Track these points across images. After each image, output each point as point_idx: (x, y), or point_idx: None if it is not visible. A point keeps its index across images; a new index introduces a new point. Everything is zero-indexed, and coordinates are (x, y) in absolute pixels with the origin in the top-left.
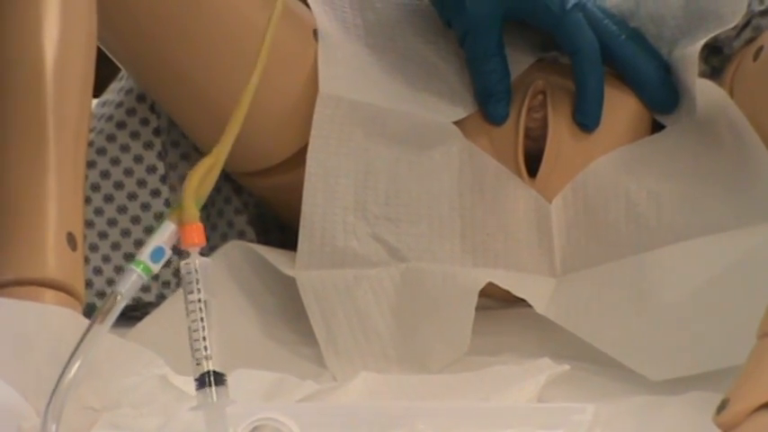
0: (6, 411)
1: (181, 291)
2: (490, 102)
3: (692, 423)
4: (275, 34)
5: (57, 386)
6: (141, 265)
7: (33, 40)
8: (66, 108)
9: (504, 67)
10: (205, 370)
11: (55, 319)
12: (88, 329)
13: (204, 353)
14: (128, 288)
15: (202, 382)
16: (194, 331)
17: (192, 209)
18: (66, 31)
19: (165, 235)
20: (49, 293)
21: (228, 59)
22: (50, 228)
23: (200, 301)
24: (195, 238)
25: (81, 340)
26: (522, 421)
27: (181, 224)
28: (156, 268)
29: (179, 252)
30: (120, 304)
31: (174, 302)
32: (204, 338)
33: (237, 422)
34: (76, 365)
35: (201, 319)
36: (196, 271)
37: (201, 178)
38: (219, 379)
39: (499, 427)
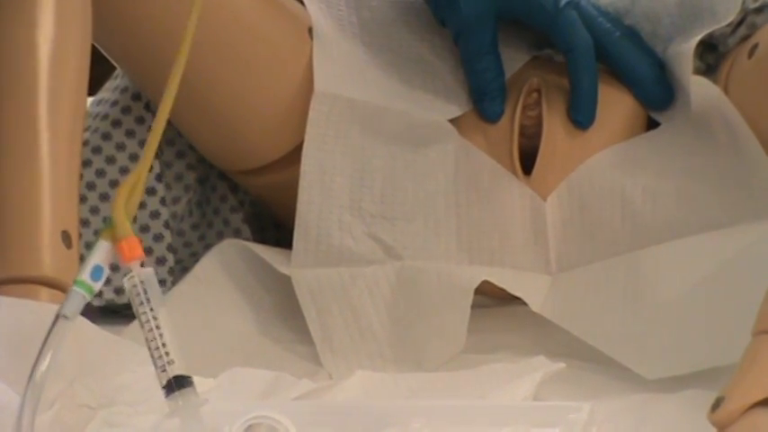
0: (2, 409)
1: (176, 289)
2: (485, 100)
3: (687, 421)
4: (271, 34)
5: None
6: (83, 285)
7: (28, 39)
8: (61, 107)
9: (498, 64)
10: (170, 376)
11: (50, 317)
12: (39, 352)
13: (165, 359)
14: (71, 308)
15: (170, 388)
16: (152, 341)
17: (125, 224)
18: (60, 30)
19: (101, 254)
20: (45, 291)
21: (223, 59)
22: (45, 226)
23: (151, 310)
24: (133, 251)
25: (39, 353)
26: (517, 419)
27: (115, 241)
28: (97, 286)
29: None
30: (68, 325)
31: (170, 299)
32: (164, 345)
33: (233, 420)
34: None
35: (157, 327)
36: (141, 283)
37: (129, 194)
38: (185, 381)
39: (495, 425)
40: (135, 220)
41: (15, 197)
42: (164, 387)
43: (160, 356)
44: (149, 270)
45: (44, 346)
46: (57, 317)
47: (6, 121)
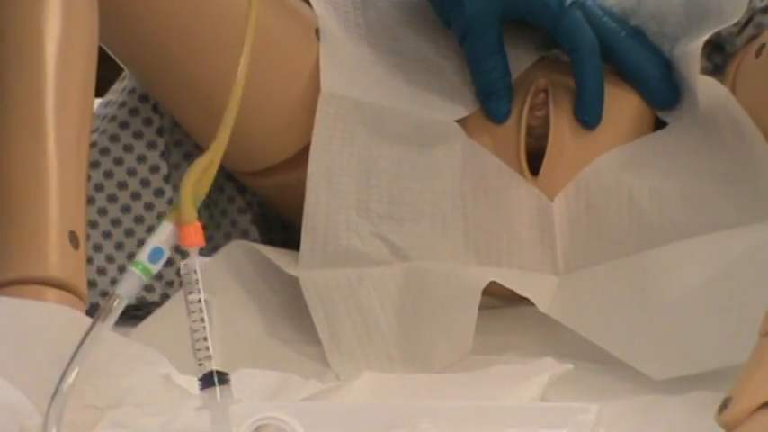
0: (8, 410)
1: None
2: (491, 100)
3: (694, 422)
4: (278, 35)
5: (58, 387)
6: (140, 266)
7: (35, 41)
8: (68, 108)
9: (504, 65)
10: (208, 370)
11: (57, 317)
12: (89, 330)
13: (206, 353)
14: (128, 289)
15: (206, 381)
16: (195, 331)
17: (190, 209)
18: (67, 31)
19: (163, 235)
20: (52, 292)
21: (230, 58)
22: (52, 227)
23: (200, 301)
24: (194, 237)
25: (82, 341)
26: (525, 421)
27: (179, 224)
28: (154, 269)
29: (180, 252)
30: (121, 305)
31: (178, 302)
32: (206, 338)
33: (241, 421)
34: (76, 369)
35: (202, 319)
36: (195, 271)
37: (198, 177)
38: (222, 378)
39: (502, 426)
40: (143, 221)
41: (22, 198)
42: (200, 379)
43: (200, 349)
44: (206, 260)
45: (93, 326)
46: (112, 295)
47: (14, 123)
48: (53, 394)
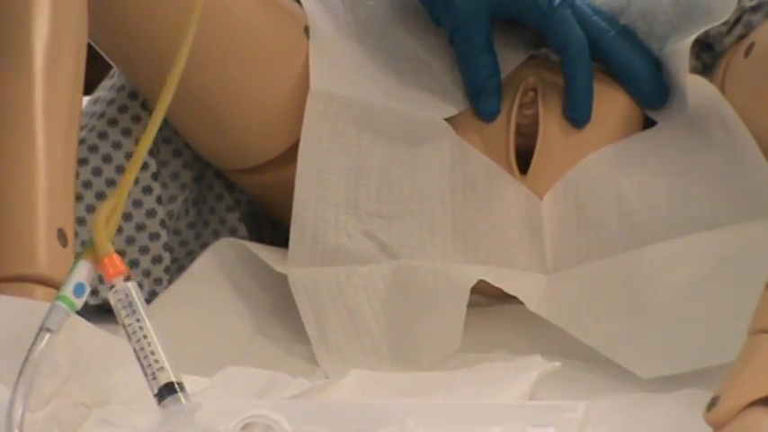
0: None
1: (172, 288)
2: (480, 98)
3: (682, 420)
4: (267, 32)
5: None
6: (66, 301)
7: (24, 39)
8: (57, 106)
9: (493, 63)
10: (161, 384)
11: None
12: (25, 361)
13: (155, 366)
14: (56, 322)
15: (162, 395)
16: (140, 350)
17: (105, 243)
18: (56, 29)
19: (83, 272)
20: (40, 290)
21: (219, 57)
22: (41, 224)
23: (137, 321)
24: (116, 268)
25: (24, 363)
26: (513, 418)
27: (98, 259)
28: (79, 303)
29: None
30: (52, 338)
31: (165, 300)
32: (152, 353)
33: (228, 419)
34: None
35: (144, 336)
36: (126, 296)
37: (108, 217)
38: (176, 387)
39: (490, 424)
40: (131, 218)
41: (11, 196)
42: (155, 395)
43: (149, 365)
44: (132, 284)
45: (27, 360)
46: (40, 329)
47: (2, 121)
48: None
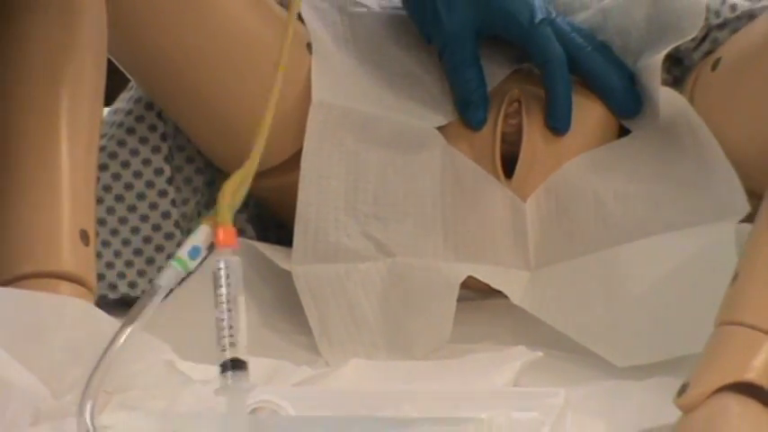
0: (25, 393)
1: (185, 286)
2: (468, 109)
3: (655, 405)
4: (273, 48)
5: (101, 359)
6: (180, 261)
7: (49, 52)
8: (80, 116)
9: (480, 76)
10: (228, 357)
11: (70, 308)
12: (133, 312)
13: (228, 340)
14: (168, 280)
15: (225, 367)
16: (221, 320)
17: (226, 215)
18: (78, 43)
19: (201, 236)
20: (64, 285)
21: (231, 72)
22: (65, 225)
23: (227, 293)
24: (227, 239)
25: (125, 323)
26: (499, 404)
27: (215, 227)
28: (192, 264)
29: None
30: (160, 294)
31: (179, 294)
32: (230, 327)
33: None
34: (124, 336)
35: (228, 309)
36: (226, 268)
37: (236, 187)
38: (241, 365)
39: (479, 409)
40: (148, 220)
41: (37, 199)
42: (220, 365)
43: (223, 336)
44: (237, 259)
45: (134, 313)
46: (153, 286)
47: (28, 130)
48: (93, 370)
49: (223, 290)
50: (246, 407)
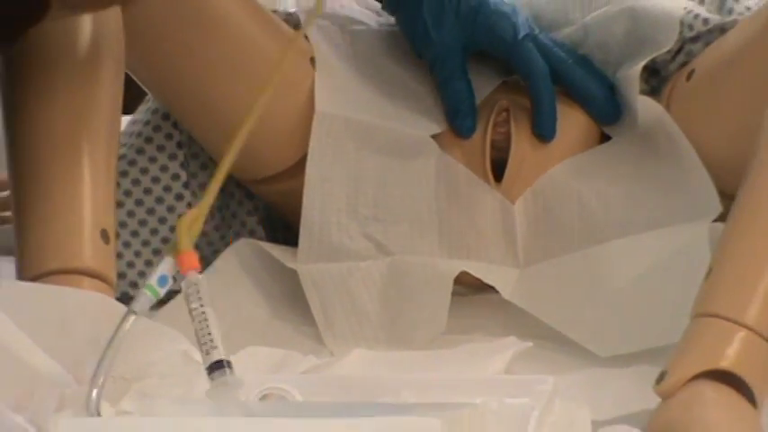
0: (51, 380)
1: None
2: (457, 118)
3: (635, 392)
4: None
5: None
6: (151, 289)
7: (70, 65)
8: (99, 124)
9: (468, 88)
10: (212, 360)
11: (91, 302)
12: (113, 335)
13: (210, 345)
14: (141, 306)
15: (212, 369)
16: (200, 330)
17: (186, 244)
18: (98, 57)
19: (166, 266)
20: (87, 281)
21: (241, 86)
22: (87, 225)
23: (201, 306)
24: (191, 263)
25: (111, 339)
26: (491, 391)
27: (176, 255)
28: (162, 291)
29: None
30: (133, 319)
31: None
32: (209, 334)
33: (249, 390)
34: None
35: (205, 319)
36: (195, 285)
37: (190, 223)
38: (225, 364)
39: (472, 395)
40: (165, 222)
41: (61, 201)
42: (207, 369)
43: (205, 343)
44: (201, 276)
45: (112, 340)
46: (127, 312)
47: (54, 138)
48: (94, 370)
49: (195, 304)
50: (255, 395)
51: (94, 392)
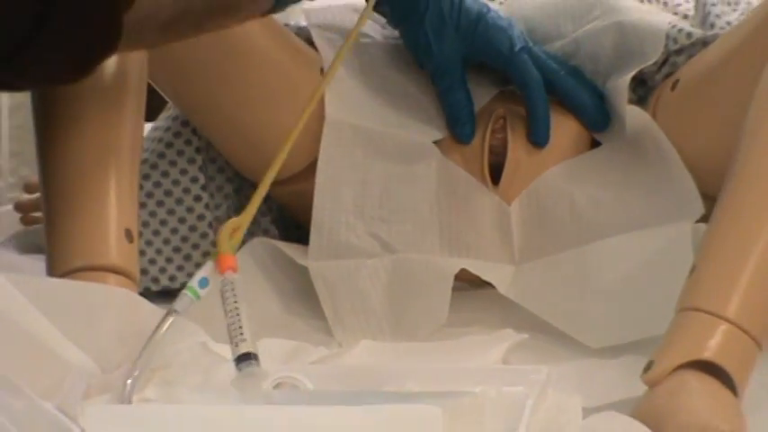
0: (79, 370)
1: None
2: (457, 125)
3: (624, 381)
4: (292, 73)
5: (135, 364)
6: (192, 290)
7: (96, 81)
8: (123, 130)
9: (467, 97)
10: (242, 351)
11: (116, 297)
12: (154, 332)
13: (239, 338)
14: (182, 306)
15: (239, 360)
16: (231, 325)
17: (226, 248)
18: (122, 68)
19: (207, 270)
20: (112, 277)
21: (255, 94)
22: (112, 225)
23: (235, 303)
24: (229, 264)
25: (153, 334)
26: (489, 380)
27: (217, 257)
28: (202, 293)
29: None
30: (174, 318)
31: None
32: (240, 328)
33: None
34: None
35: (237, 315)
36: (231, 284)
37: (231, 232)
38: (252, 356)
39: (471, 384)
40: (185, 221)
41: (87, 201)
42: (235, 360)
43: (236, 336)
44: (237, 276)
45: (152, 337)
46: (169, 311)
47: (80, 142)
48: (132, 369)
49: (229, 301)
50: (269, 384)
51: (129, 382)
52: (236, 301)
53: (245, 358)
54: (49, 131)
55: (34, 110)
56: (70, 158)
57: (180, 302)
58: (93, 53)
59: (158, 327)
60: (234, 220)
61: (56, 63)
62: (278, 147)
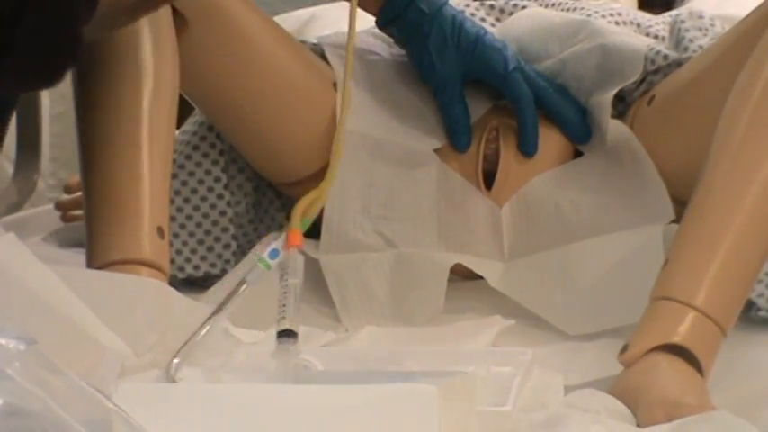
0: (114, 353)
1: (236, 268)
2: (455, 135)
3: (602, 361)
4: (306, 86)
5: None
6: (263, 261)
7: (135, 77)
8: (158, 131)
9: (464, 111)
10: (281, 328)
11: (149, 287)
12: (224, 300)
13: (280, 315)
14: (254, 277)
15: (279, 335)
16: (281, 300)
17: (298, 221)
18: (158, 71)
19: (279, 242)
20: (145, 270)
21: (272, 104)
22: (145, 221)
23: (286, 281)
24: (294, 241)
25: (222, 303)
26: (480, 361)
27: (288, 232)
28: (273, 263)
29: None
30: (245, 288)
31: (232, 277)
32: (284, 306)
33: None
34: (219, 314)
35: (285, 293)
36: (294, 261)
37: (307, 205)
38: (291, 334)
39: (464, 365)
40: (208, 217)
41: (123, 199)
42: (276, 334)
43: (281, 312)
44: (300, 256)
45: (226, 302)
46: (241, 282)
47: (116, 141)
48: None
49: (285, 278)
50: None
51: (175, 361)
52: (293, 279)
53: (285, 335)
54: (91, 142)
55: (78, 119)
56: (110, 163)
57: (253, 273)
58: (56, 67)
59: (231, 294)
60: (312, 192)
61: (22, 75)
62: (291, 151)
